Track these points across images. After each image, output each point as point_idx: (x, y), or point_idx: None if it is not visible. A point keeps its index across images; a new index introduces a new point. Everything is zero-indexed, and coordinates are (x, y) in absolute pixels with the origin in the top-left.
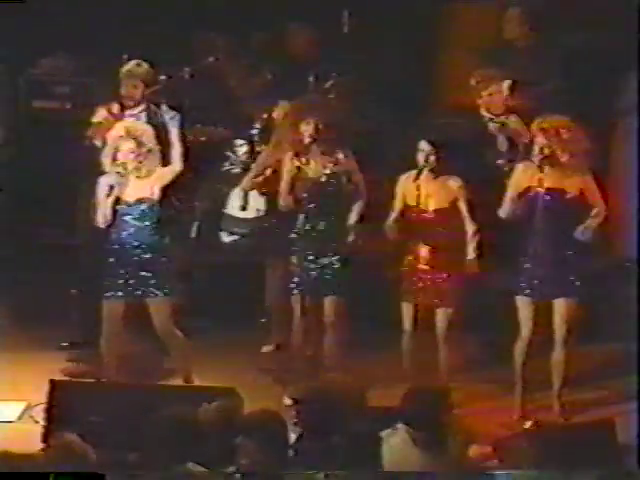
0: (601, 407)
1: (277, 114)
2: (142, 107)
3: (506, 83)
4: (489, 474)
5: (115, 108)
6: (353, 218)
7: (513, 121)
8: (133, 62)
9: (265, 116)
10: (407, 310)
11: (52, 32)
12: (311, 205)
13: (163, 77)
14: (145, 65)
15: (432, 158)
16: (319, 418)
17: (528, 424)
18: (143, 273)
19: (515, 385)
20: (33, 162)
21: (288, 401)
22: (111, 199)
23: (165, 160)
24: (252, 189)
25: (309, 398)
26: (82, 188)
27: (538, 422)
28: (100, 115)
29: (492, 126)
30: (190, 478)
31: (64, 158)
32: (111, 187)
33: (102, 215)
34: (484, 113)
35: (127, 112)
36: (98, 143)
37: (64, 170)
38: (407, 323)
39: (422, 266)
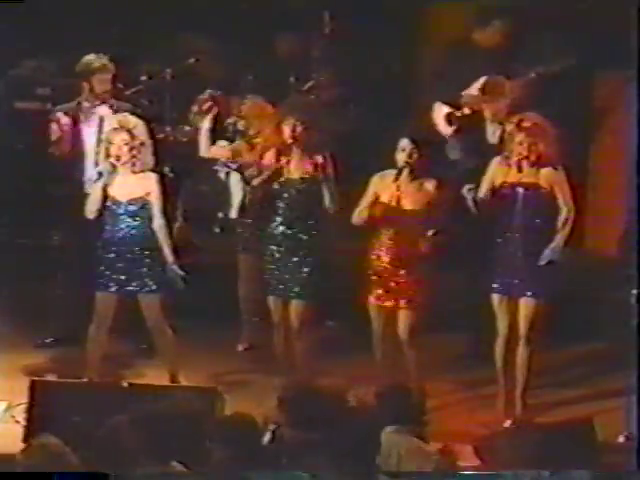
0: (580, 405)
1: (246, 108)
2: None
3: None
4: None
5: (64, 120)
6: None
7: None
8: (98, 56)
9: (238, 112)
10: (373, 311)
11: (34, 34)
12: (287, 207)
13: (144, 78)
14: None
15: (414, 156)
16: (305, 416)
17: (508, 423)
18: (135, 269)
19: (497, 384)
20: (15, 162)
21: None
22: (99, 188)
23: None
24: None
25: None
26: (65, 188)
27: (517, 421)
28: (55, 132)
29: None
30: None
31: (46, 159)
32: (100, 174)
33: (90, 204)
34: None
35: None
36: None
37: (46, 171)
38: (374, 323)
39: (385, 265)
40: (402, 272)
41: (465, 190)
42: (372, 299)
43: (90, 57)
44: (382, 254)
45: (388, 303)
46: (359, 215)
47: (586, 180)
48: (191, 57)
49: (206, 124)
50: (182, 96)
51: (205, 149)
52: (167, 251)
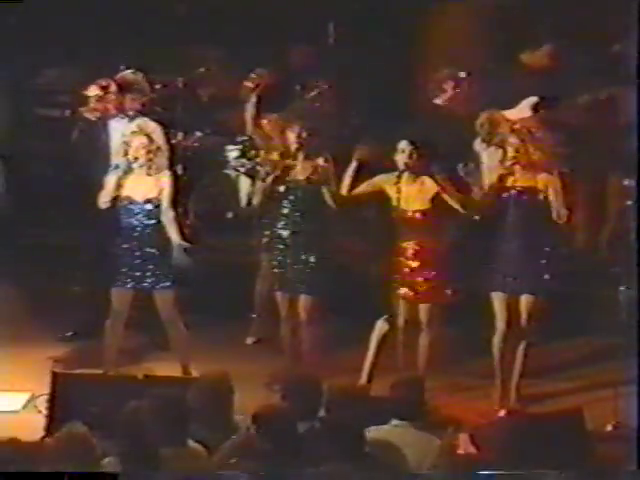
0: (572, 396)
1: (266, 124)
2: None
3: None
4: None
5: (112, 87)
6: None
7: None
8: (137, 75)
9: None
10: (395, 305)
11: (54, 44)
12: (293, 207)
13: (158, 86)
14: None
15: (414, 157)
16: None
17: (502, 413)
18: (150, 266)
19: (495, 376)
20: (35, 167)
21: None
22: (114, 179)
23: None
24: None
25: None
26: (84, 190)
27: (510, 411)
28: (93, 90)
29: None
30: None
31: (64, 162)
32: (116, 166)
33: (104, 194)
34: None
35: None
36: (92, 117)
37: (65, 174)
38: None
39: (409, 262)
40: (420, 269)
41: (459, 168)
42: (394, 294)
43: (134, 75)
44: (406, 252)
45: (408, 298)
46: (347, 187)
47: (592, 182)
48: (202, 66)
49: (252, 99)
50: (193, 103)
51: (250, 123)
52: (172, 231)
